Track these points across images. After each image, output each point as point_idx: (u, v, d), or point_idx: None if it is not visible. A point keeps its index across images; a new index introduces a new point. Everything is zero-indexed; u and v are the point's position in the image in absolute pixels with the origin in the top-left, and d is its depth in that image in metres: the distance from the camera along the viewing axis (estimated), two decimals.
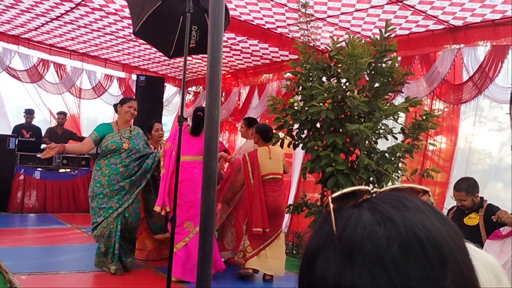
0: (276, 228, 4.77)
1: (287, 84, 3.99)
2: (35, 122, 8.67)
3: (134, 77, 9.43)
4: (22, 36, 8.19)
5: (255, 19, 6.06)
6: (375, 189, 0.54)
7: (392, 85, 3.71)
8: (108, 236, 4.52)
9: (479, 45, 5.25)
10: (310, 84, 3.72)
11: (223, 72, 8.26)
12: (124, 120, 4.74)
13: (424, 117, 3.65)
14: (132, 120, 4.92)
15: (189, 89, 10.11)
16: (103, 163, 4.61)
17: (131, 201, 4.60)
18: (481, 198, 3.77)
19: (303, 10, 4.97)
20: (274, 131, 4.33)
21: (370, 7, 5.09)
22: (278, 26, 6.20)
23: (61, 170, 8.38)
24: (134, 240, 4.83)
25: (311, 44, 5.06)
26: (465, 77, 5.34)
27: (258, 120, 7.02)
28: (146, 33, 4.24)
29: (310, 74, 3.79)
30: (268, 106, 4.48)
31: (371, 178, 3.62)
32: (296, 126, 3.85)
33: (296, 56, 4.28)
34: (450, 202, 4.12)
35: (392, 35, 3.75)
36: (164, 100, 8.89)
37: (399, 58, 3.89)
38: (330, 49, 3.81)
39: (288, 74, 4.26)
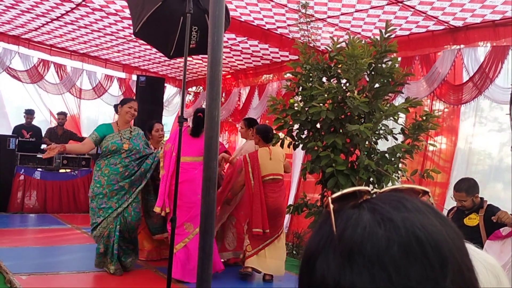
0: (277, 228, 4.78)
1: (287, 85, 3.99)
2: (35, 122, 8.66)
3: (134, 77, 9.43)
4: (23, 36, 8.19)
5: (256, 20, 6.06)
6: (375, 190, 0.54)
7: (392, 85, 3.71)
8: (108, 236, 4.52)
9: (479, 45, 5.25)
10: (310, 84, 3.72)
11: (223, 72, 8.24)
12: (125, 121, 4.75)
13: (424, 118, 3.66)
14: (132, 120, 4.93)
15: (189, 89, 10.10)
16: (103, 163, 4.61)
17: (131, 201, 4.60)
18: (481, 198, 3.77)
19: (303, 11, 4.97)
20: (274, 131, 4.34)
21: (370, 8, 5.09)
22: (278, 27, 6.20)
23: (61, 171, 8.38)
24: (135, 240, 4.81)
25: (311, 45, 5.05)
26: (465, 77, 5.34)
27: (258, 120, 7.02)
28: (146, 34, 4.24)
29: (310, 74, 3.79)
30: (268, 107, 4.48)
31: (371, 179, 3.63)
32: (296, 126, 3.85)
33: (296, 57, 4.28)
34: (450, 203, 4.11)
35: (392, 36, 3.75)
36: (164, 100, 8.88)
37: (399, 59, 3.89)
38: (330, 49, 3.81)
39: (288, 75, 4.25)
